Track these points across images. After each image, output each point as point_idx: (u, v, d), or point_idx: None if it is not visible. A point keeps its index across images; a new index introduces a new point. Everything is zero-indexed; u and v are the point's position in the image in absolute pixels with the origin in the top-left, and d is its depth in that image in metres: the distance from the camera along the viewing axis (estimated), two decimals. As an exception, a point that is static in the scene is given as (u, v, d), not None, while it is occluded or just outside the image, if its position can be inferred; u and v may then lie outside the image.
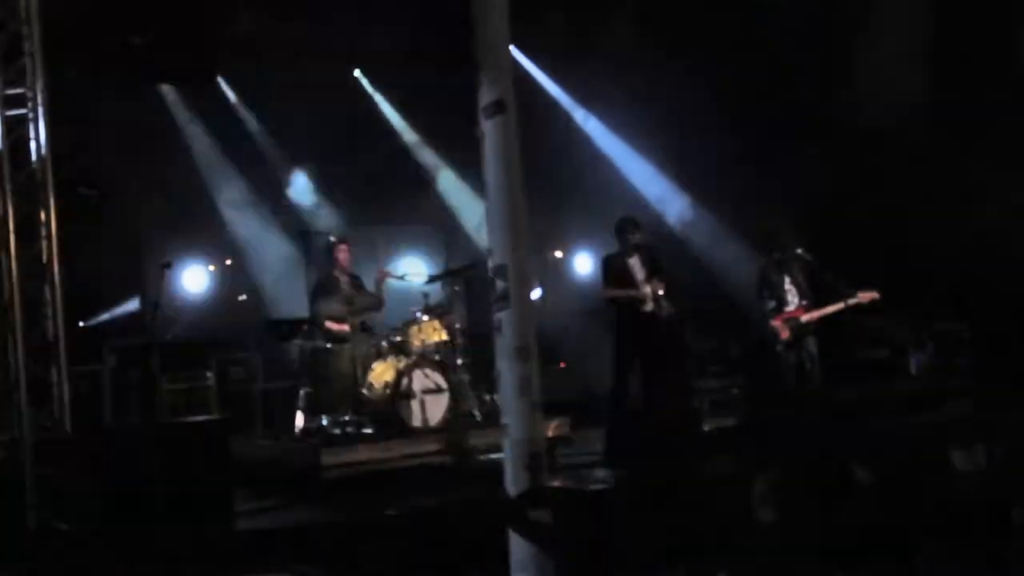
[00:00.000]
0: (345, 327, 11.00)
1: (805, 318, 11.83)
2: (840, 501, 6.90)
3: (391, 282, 12.50)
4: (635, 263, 11.35)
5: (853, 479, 7.06)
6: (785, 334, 11.87)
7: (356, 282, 11.47)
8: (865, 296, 11.80)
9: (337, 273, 11.35)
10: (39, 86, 8.60)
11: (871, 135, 14.68)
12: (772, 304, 11.95)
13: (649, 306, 11.26)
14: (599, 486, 9.10)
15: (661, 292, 11.26)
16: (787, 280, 11.94)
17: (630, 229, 11.41)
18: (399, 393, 10.27)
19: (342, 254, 11.40)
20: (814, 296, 11.94)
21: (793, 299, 11.92)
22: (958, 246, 14.64)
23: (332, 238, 11.52)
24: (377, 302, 11.37)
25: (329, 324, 10.98)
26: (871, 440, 7.75)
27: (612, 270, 11.43)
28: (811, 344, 11.90)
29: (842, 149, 14.53)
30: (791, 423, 10.64)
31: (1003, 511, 6.44)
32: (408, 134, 15.89)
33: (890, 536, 6.29)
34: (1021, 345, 13.91)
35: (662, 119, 15.16)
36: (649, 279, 11.29)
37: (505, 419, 6.38)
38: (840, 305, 11.80)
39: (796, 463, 9.00)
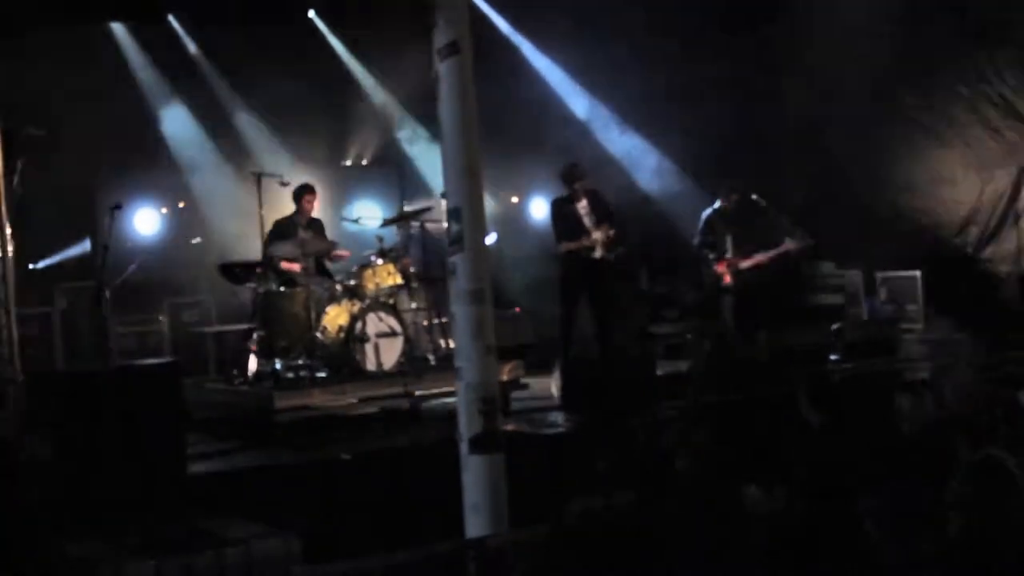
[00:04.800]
0: (296, 267, 10.97)
1: (744, 264, 12.14)
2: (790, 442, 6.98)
3: (346, 224, 12.47)
4: (583, 207, 11.46)
5: (804, 421, 7.13)
6: (728, 279, 12.17)
7: (314, 226, 11.41)
8: (795, 246, 12.10)
9: (297, 218, 11.31)
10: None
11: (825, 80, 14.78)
12: (712, 256, 12.25)
13: (598, 253, 11.37)
14: (553, 430, 9.16)
15: (612, 234, 11.37)
16: (728, 231, 12.25)
17: (576, 174, 11.50)
18: (353, 337, 10.25)
19: (308, 204, 11.35)
20: (758, 243, 12.23)
21: (728, 247, 12.24)
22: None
23: (287, 181, 11.40)
24: (331, 247, 11.33)
25: (284, 265, 10.94)
26: (822, 383, 7.84)
27: (562, 215, 11.55)
28: (752, 289, 12.19)
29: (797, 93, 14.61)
30: (739, 367, 10.76)
31: (950, 451, 6.53)
32: (363, 75, 15.73)
33: (838, 476, 6.37)
34: (970, 291, 14.10)
35: (620, 62, 15.12)
36: (599, 224, 11.39)
37: (459, 363, 6.38)
38: (773, 254, 12.12)
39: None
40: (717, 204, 12.48)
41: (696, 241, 12.57)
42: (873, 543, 5.30)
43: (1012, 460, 4.47)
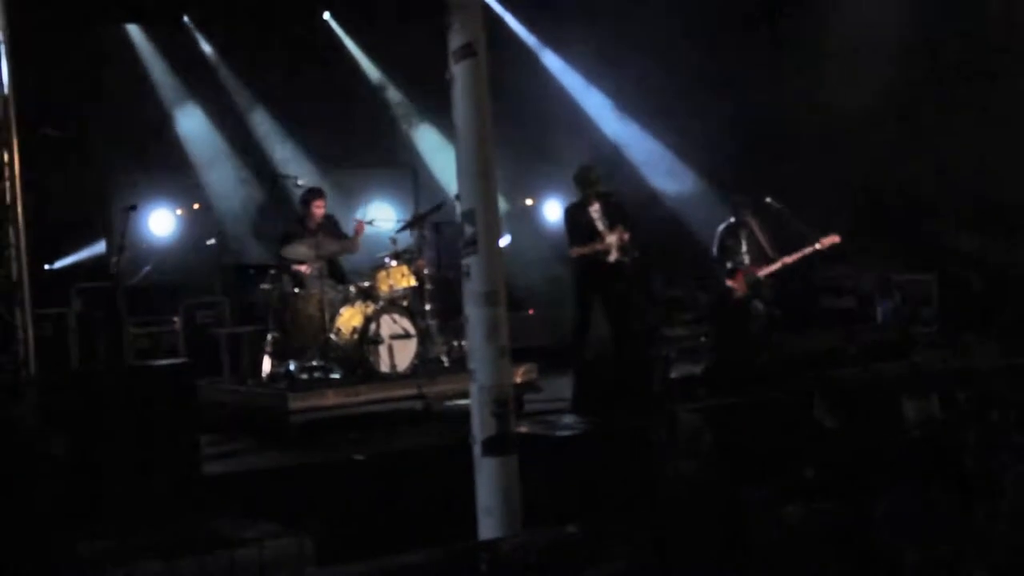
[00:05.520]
0: (304, 268, 10.95)
1: (762, 273, 12.17)
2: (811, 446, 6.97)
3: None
4: (596, 211, 11.45)
5: (821, 424, 7.12)
6: (742, 290, 12.19)
7: (327, 225, 11.37)
8: (826, 242, 12.07)
9: (308, 220, 11.28)
10: (0, 25, 8.46)
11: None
12: (729, 266, 12.27)
13: (613, 256, 11.36)
14: (566, 433, 9.16)
15: (626, 237, 11.36)
16: (744, 244, 12.29)
17: (590, 178, 11.50)
18: (367, 338, 10.24)
19: (318, 209, 11.28)
20: (774, 249, 12.23)
21: (747, 260, 12.27)
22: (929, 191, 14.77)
23: (302, 183, 11.39)
24: (345, 247, 11.32)
25: (294, 267, 10.93)
26: (836, 387, 7.81)
27: (575, 221, 11.55)
28: (767, 297, 12.20)
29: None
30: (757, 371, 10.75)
31: (957, 457, 6.52)
32: (378, 78, 15.75)
33: (853, 479, 6.36)
34: (985, 294, 14.04)
35: (636, 64, 15.12)
36: (612, 228, 11.38)
37: (473, 365, 6.38)
38: (799, 255, 12.09)
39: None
40: (732, 219, 12.48)
41: (713, 252, 12.59)
42: (890, 549, 5.28)
43: None
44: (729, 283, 12.29)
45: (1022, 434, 6.57)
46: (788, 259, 12.18)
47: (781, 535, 5.80)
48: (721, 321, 12.66)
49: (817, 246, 12.13)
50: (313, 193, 11.36)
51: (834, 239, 12.11)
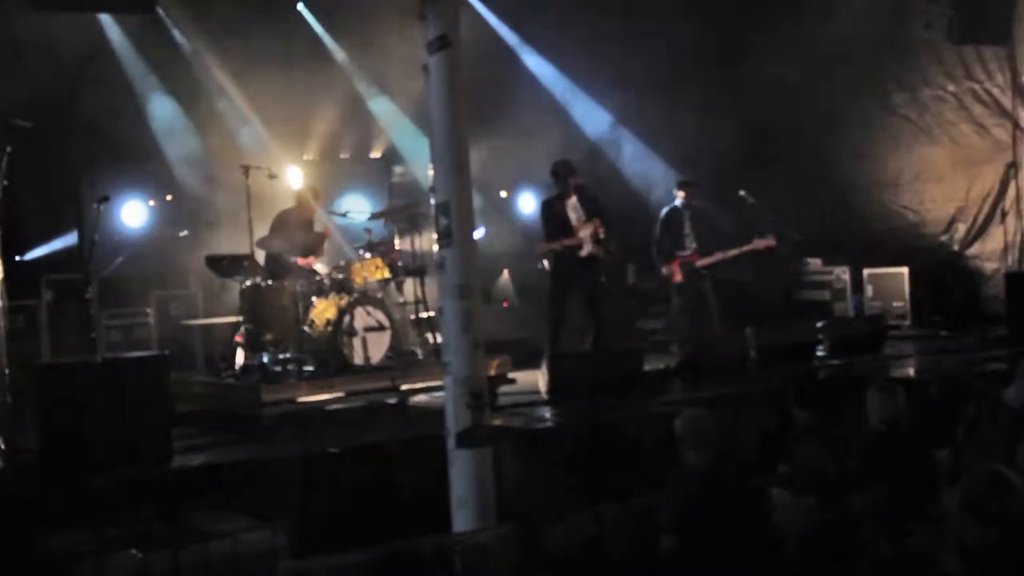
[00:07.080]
0: (312, 261, 10.95)
1: (700, 263, 12.26)
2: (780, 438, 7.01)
3: (334, 219, 12.44)
4: (573, 204, 11.49)
5: (791, 418, 7.16)
6: (678, 276, 12.29)
7: (306, 221, 11.37)
8: (760, 244, 12.21)
9: (295, 213, 11.26)
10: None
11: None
12: (668, 248, 12.34)
13: (585, 251, 11.37)
14: (540, 425, 9.17)
15: (602, 231, 11.37)
16: (688, 226, 12.35)
17: (565, 172, 11.54)
18: (341, 331, 10.22)
19: (308, 206, 11.27)
20: (729, 238, 12.32)
21: (691, 244, 12.34)
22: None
23: (278, 175, 11.34)
24: (319, 239, 11.31)
25: (300, 261, 10.86)
26: (807, 380, 7.86)
27: (551, 215, 11.58)
28: (707, 287, 12.30)
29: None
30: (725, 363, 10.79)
31: (928, 451, 6.57)
32: (352, 69, 15.69)
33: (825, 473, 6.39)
34: (956, 289, 14.13)
35: (609, 56, 15.13)
36: (587, 221, 11.40)
37: (447, 357, 6.38)
38: (736, 251, 12.22)
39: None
40: (676, 201, 12.56)
41: (655, 237, 12.63)
42: (867, 541, 5.33)
43: (1015, 475, 4.50)
44: (670, 266, 12.37)
45: (994, 427, 6.62)
46: (722, 255, 12.30)
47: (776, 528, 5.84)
48: (682, 315, 12.69)
49: (754, 245, 12.24)
50: (308, 190, 11.38)
51: (769, 243, 12.25)
